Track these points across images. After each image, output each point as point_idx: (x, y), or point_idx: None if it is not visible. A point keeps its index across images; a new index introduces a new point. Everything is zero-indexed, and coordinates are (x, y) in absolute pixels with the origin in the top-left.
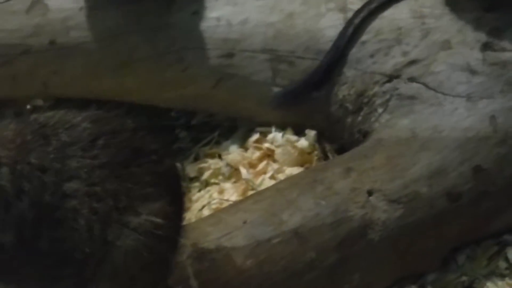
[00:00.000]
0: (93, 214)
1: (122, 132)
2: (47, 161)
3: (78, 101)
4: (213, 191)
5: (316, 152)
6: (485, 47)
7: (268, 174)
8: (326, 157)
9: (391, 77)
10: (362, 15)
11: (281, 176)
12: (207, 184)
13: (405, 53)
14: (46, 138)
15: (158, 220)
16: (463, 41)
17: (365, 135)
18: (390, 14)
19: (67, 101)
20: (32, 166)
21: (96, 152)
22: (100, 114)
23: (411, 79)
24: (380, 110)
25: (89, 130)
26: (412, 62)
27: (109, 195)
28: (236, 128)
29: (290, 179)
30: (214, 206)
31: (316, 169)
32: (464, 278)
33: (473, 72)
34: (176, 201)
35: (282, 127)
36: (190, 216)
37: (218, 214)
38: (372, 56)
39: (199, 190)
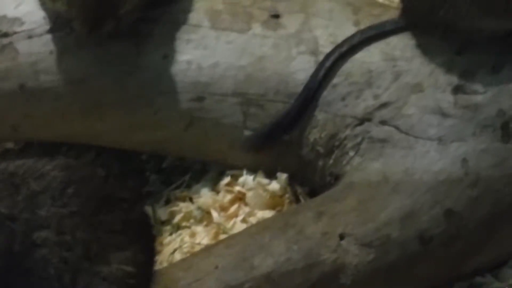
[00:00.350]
0: (64, 263)
1: (93, 180)
2: (16, 211)
3: (48, 147)
4: (184, 234)
5: (287, 195)
6: (457, 89)
7: (240, 217)
8: (297, 200)
9: (362, 120)
10: (333, 58)
11: (252, 220)
12: (178, 227)
13: (376, 96)
14: (16, 187)
15: (129, 268)
16: (435, 84)
17: (337, 178)
18: (361, 57)
19: (37, 147)
20: (1, 216)
21: (66, 201)
22: (70, 162)
23: (383, 122)
24: (351, 153)
25: (59, 178)
26: (383, 105)
27: (79, 244)
28: (207, 171)
29: (262, 223)
30: (185, 250)
31: (287, 213)
32: None
33: (444, 115)
34: (147, 249)
35: (253, 170)
36: (162, 259)
37: (190, 258)
38: (343, 99)
39: (171, 234)
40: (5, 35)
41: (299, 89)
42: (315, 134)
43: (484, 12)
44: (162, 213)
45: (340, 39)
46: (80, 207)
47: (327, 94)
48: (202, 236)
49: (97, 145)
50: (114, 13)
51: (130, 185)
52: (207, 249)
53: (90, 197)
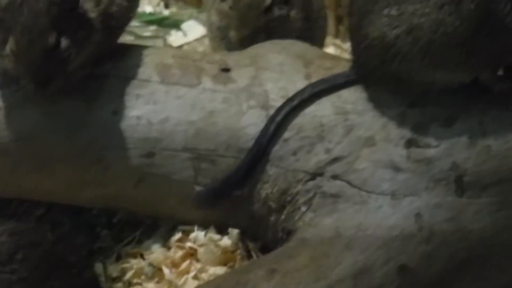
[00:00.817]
0: None
1: (42, 244)
2: None
3: None
4: None
5: (239, 251)
6: (409, 143)
7: (191, 274)
8: (249, 256)
9: (314, 175)
10: (283, 112)
11: (204, 276)
12: (129, 284)
13: (328, 150)
14: None
15: None
16: (387, 138)
17: (289, 234)
18: (313, 110)
19: None
20: None
21: (14, 267)
22: (19, 226)
23: (335, 177)
24: (303, 208)
25: (8, 244)
26: (335, 160)
27: None
28: (158, 226)
29: (213, 281)
30: None
31: (239, 271)
32: None
33: (397, 169)
34: None
35: (204, 226)
36: None
37: None
38: (294, 153)
39: None
40: None
41: (250, 143)
42: (266, 189)
43: (436, 65)
44: (113, 269)
45: (291, 92)
46: (29, 273)
47: (278, 149)
48: None
49: (47, 201)
50: (62, 69)
51: (80, 245)
52: None
53: (39, 263)
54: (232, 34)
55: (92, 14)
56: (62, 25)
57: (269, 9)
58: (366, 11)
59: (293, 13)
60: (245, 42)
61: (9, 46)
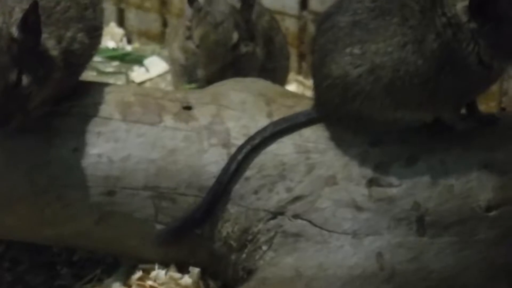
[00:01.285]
0: None
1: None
2: None
3: None
4: None
5: None
6: (371, 182)
7: None
8: None
9: (275, 214)
10: (245, 150)
11: None
12: None
13: (289, 189)
14: None
15: None
16: (349, 177)
17: (250, 273)
18: (274, 149)
19: None
20: None
21: None
22: None
23: (296, 216)
24: (264, 247)
25: None
26: (297, 199)
27: None
28: (119, 264)
29: None
30: None
31: None
32: None
33: (359, 208)
34: None
35: (165, 264)
36: None
37: None
38: (256, 192)
39: None
40: None
41: (211, 182)
42: (227, 228)
43: (398, 105)
44: None
45: (252, 131)
46: None
47: (239, 187)
48: None
49: (7, 239)
50: (23, 108)
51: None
52: None
53: None
54: (200, 72)
55: (54, 52)
56: (23, 63)
57: (236, 46)
58: (329, 50)
59: (258, 49)
60: (213, 80)
61: None
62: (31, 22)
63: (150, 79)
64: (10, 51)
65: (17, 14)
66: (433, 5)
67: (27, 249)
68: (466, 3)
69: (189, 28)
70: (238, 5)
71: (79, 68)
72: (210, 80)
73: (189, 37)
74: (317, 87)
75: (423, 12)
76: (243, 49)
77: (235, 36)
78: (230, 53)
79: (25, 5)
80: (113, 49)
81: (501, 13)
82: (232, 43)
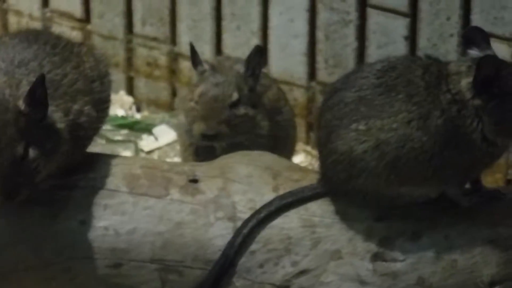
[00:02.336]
0: None
1: None
2: None
3: None
4: None
5: None
6: (376, 257)
7: None
8: None
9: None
10: (251, 224)
11: None
12: None
13: (295, 263)
14: None
15: None
16: (354, 251)
17: None
18: (280, 223)
19: None
20: None
21: None
22: None
23: None
24: None
25: None
26: (302, 272)
27: None
28: None
29: None
30: None
31: None
32: None
33: (363, 283)
34: None
35: None
36: None
37: None
38: (261, 266)
39: None
40: None
41: (217, 255)
42: None
43: (403, 180)
44: None
45: (259, 204)
46: None
47: (245, 261)
48: None
49: None
50: (30, 181)
51: None
52: None
53: None
54: (195, 127)
55: (61, 125)
56: (30, 135)
57: (234, 104)
58: (334, 126)
59: (259, 117)
60: (207, 136)
61: None
62: (38, 95)
63: (159, 148)
64: (17, 124)
65: (24, 87)
66: (438, 81)
67: None
68: (471, 79)
69: (192, 91)
70: (242, 70)
71: (86, 141)
72: (204, 137)
73: (191, 99)
74: (322, 162)
75: (428, 89)
76: (242, 110)
77: (235, 95)
78: (228, 111)
79: (32, 78)
80: (122, 117)
81: (505, 90)
82: (231, 101)
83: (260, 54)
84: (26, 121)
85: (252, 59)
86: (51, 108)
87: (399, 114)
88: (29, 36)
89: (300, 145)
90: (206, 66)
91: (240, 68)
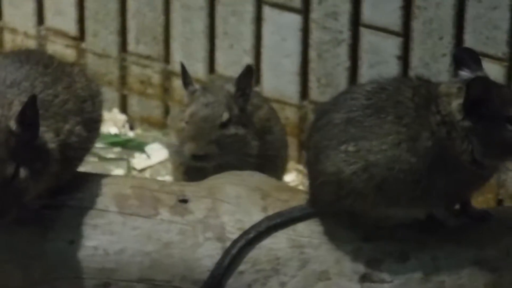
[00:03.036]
0: None
1: None
2: None
3: None
4: None
5: None
6: (363, 278)
7: None
8: None
9: None
10: (239, 244)
11: None
12: None
13: (282, 284)
14: None
15: None
16: (341, 272)
17: None
18: (268, 243)
19: None
20: None
21: None
22: None
23: None
24: None
25: None
26: None
27: None
28: None
29: None
30: None
31: None
32: None
33: None
34: None
35: None
36: None
37: None
38: (249, 286)
39: None
40: None
41: (206, 275)
42: None
43: (391, 202)
44: None
45: (247, 225)
46: None
47: (233, 281)
48: None
49: None
50: (19, 200)
51: None
52: None
53: None
54: (187, 147)
55: (52, 145)
56: (20, 156)
57: (224, 125)
58: (323, 146)
59: (249, 137)
60: (197, 156)
61: None
62: (30, 115)
63: (151, 166)
64: (8, 144)
65: (16, 107)
66: (427, 103)
67: None
68: (461, 101)
69: (183, 111)
70: (233, 90)
71: (77, 161)
72: (194, 157)
73: (182, 119)
74: (311, 183)
75: (417, 110)
76: (232, 130)
77: (225, 115)
78: (218, 131)
79: (24, 98)
80: (115, 135)
81: (494, 112)
82: (221, 121)
83: (250, 74)
84: (17, 141)
85: (242, 79)
86: (42, 128)
87: (388, 135)
88: (21, 56)
89: (291, 164)
90: (196, 86)
91: (231, 88)
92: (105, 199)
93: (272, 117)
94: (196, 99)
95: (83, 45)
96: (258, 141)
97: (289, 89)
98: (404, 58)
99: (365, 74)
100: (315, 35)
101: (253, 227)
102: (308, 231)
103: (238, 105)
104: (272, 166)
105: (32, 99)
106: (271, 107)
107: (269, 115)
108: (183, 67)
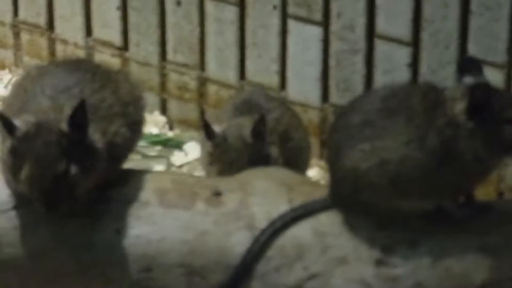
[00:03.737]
0: None
1: None
2: None
3: None
4: None
5: None
6: (378, 263)
7: None
8: None
9: None
10: (267, 233)
11: None
12: None
13: (306, 268)
14: None
15: None
16: (359, 258)
17: None
18: (293, 232)
19: None
20: None
21: None
22: None
23: None
24: None
25: None
26: (313, 276)
27: None
28: None
29: None
30: None
31: None
32: None
33: (367, 285)
34: None
35: None
36: None
37: None
38: (276, 270)
39: None
40: None
41: (237, 261)
42: None
43: (403, 195)
44: None
45: (274, 215)
46: None
47: (262, 266)
48: None
49: None
50: (71, 194)
51: None
52: None
53: None
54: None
55: (99, 144)
56: (71, 154)
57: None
58: (342, 145)
59: (273, 151)
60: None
61: (24, 173)
62: (79, 118)
63: (188, 163)
64: (60, 144)
65: (67, 110)
66: (435, 106)
67: None
68: (465, 105)
69: (211, 155)
70: (250, 139)
71: (121, 159)
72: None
73: (211, 163)
74: (331, 178)
75: (426, 113)
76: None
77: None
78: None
79: (74, 102)
80: (156, 135)
81: (495, 115)
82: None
83: (264, 123)
84: (68, 141)
85: (256, 128)
86: (90, 130)
87: (400, 136)
88: (71, 65)
89: (314, 160)
90: (218, 138)
91: (248, 136)
92: (147, 193)
93: (292, 125)
94: (219, 156)
95: (127, 54)
96: (278, 149)
97: (312, 93)
98: (414, 66)
99: (379, 80)
100: (334, 45)
101: (279, 217)
102: (329, 221)
103: (256, 150)
104: (293, 167)
105: (82, 103)
106: (293, 112)
107: (290, 124)
108: (204, 120)
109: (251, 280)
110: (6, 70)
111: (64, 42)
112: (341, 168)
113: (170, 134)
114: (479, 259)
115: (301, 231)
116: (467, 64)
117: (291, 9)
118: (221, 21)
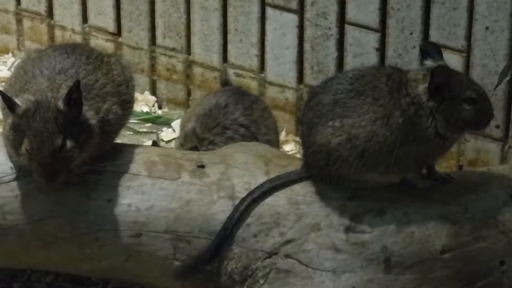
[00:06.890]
0: None
1: None
2: None
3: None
4: None
5: None
6: (348, 229)
7: None
8: None
9: (270, 254)
10: (246, 202)
11: None
12: None
13: (282, 234)
14: None
15: None
16: (330, 224)
17: None
18: (270, 201)
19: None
20: None
21: None
22: None
23: (287, 256)
24: (261, 281)
25: None
26: (288, 242)
27: None
28: None
29: None
30: None
31: None
32: None
33: (337, 250)
34: None
35: None
36: None
37: None
38: (255, 236)
39: None
40: None
41: (219, 227)
42: (231, 265)
43: (370, 168)
44: None
45: (253, 186)
46: None
47: (242, 232)
48: None
49: (54, 271)
50: (67, 167)
51: None
52: None
53: None
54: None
55: (93, 121)
56: (67, 130)
57: None
58: (314, 123)
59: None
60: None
61: (24, 147)
62: (75, 97)
63: (176, 139)
64: (57, 120)
65: (63, 90)
66: (399, 87)
67: (71, 279)
68: (426, 85)
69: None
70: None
71: (113, 134)
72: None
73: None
74: (305, 152)
75: (390, 93)
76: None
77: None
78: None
79: (70, 83)
80: (147, 113)
81: (454, 94)
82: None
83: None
84: (64, 118)
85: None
86: (84, 108)
87: (367, 114)
88: (68, 49)
89: (290, 136)
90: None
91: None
92: (137, 165)
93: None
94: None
95: (120, 39)
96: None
97: (288, 75)
98: (382, 50)
99: (350, 63)
100: (309, 31)
101: (257, 188)
102: (303, 191)
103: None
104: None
105: (77, 83)
106: (266, 107)
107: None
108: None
109: (232, 245)
110: (10, 54)
111: (63, 28)
112: (313, 143)
113: (159, 112)
114: (440, 226)
115: (278, 200)
116: (428, 49)
117: None
118: (206, 9)
